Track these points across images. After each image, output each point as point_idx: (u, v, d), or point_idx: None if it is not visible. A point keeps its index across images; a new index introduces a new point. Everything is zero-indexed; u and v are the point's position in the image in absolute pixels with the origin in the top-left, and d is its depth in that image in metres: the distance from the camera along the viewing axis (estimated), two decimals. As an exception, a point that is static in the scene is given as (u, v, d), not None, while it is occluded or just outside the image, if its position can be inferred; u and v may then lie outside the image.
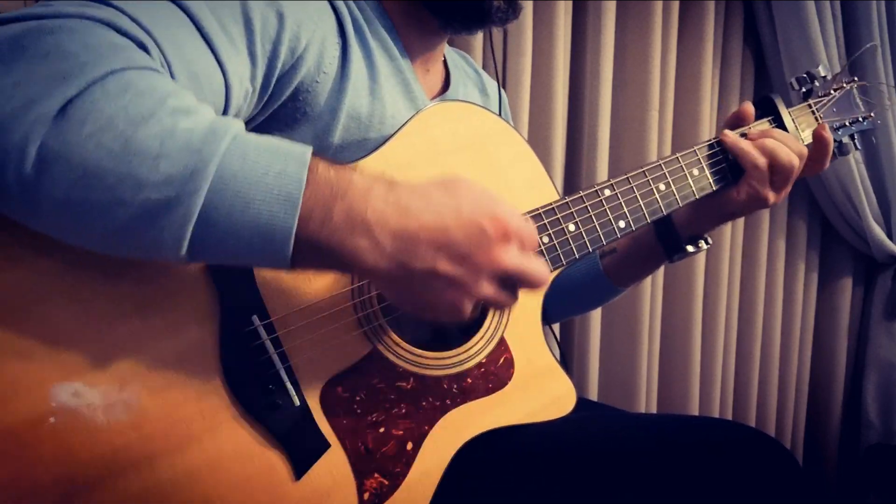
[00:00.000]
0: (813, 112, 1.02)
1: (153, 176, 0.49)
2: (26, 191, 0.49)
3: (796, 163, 0.89)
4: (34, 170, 0.48)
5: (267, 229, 0.52)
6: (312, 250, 0.54)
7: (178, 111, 0.52)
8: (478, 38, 1.49)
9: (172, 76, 0.58)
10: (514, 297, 0.63)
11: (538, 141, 1.62)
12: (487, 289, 0.59)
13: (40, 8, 0.53)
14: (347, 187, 0.55)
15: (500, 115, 1.03)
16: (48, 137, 0.48)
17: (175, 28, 0.59)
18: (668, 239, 0.96)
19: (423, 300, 0.59)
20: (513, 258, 0.59)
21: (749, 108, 0.95)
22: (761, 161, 0.88)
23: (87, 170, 0.48)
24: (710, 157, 0.91)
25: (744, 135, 0.92)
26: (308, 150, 0.55)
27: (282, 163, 0.53)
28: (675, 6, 1.78)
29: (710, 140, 0.92)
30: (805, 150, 0.92)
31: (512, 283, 0.62)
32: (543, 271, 0.62)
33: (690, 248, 0.96)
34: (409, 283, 0.57)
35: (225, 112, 0.65)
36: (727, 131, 0.92)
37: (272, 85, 0.70)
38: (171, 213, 0.50)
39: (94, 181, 0.49)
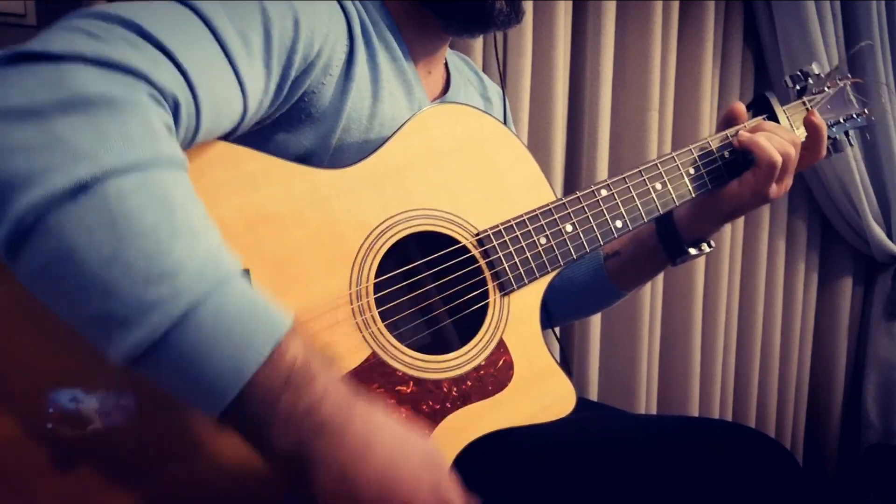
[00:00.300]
0: (807, 109, 1.02)
1: (125, 293, 0.49)
2: (11, 249, 0.49)
3: (792, 151, 0.90)
4: (25, 234, 0.48)
5: (206, 388, 0.51)
6: (239, 419, 0.53)
7: (180, 233, 0.51)
8: (478, 40, 1.49)
9: (199, 111, 0.58)
10: None
11: (538, 141, 1.62)
12: None
13: (84, 41, 0.52)
14: (306, 384, 0.54)
15: (504, 118, 1.03)
16: (50, 212, 0.48)
17: (203, 51, 0.59)
18: (670, 242, 0.96)
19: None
20: None
21: (740, 107, 0.96)
22: (777, 157, 0.88)
23: (71, 258, 0.48)
24: (705, 155, 0.91)
25: (736, 133, 0.93)
26: (286, 325, 0.54)
27: (252, 330, 0.52)
28: (675, 6, 1.78)
29: (704, 139, 0.92)
30: (798, 139, 0.93)
31: None
32: None
33: (693, 251, 0.96)
34: (304, 494, 0.55)
35: (239, 126, 0.66)
36: (742, 132, 0.92)
37: (284, 91, 0.70)
38: (126, 334, 0.49)
39: (71, 270, 0.49)
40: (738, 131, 0.93)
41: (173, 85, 0.55)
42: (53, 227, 0.48)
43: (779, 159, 0.88)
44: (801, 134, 1.00)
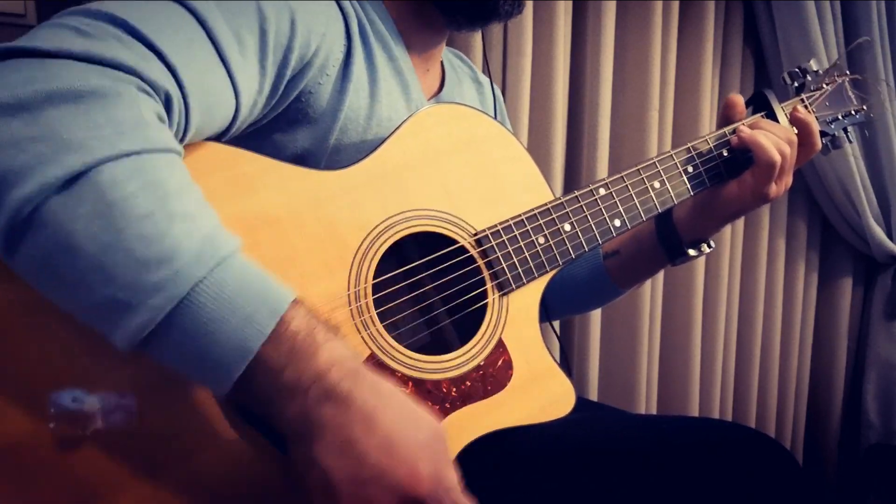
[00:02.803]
0: (805, 106, 1.02)
1: (126, 277, 0.49)
2: (8, 243, 0.49)
3: (788, 149, 0.90)
4: (21, 227, 0.48)
5: (213, 365, 0.52)
6: (247, 394, 0.54)
7: (176, 216, 0.51)
8: (477, 39, 1.49)
9: (188, 107, 0.58)
10: None
11: (538, 141, 1.62)
12: None
13: (72, 38, 0.52)
14: (310, 356, 0.54)
15: (495, 108, 1.03)
16: (45, 204, 0.48)
17: (194, 49, 0.59)
18: (669, 243, 0.96)
19: (309, 486, 0.56)
20: None
21: (738, 98, 0.95)
22: (777, 157, 0.88)
23: (69, 247, 0.49)
24: (703, 153, 0.91)
25: (734, 131, 0.93)
26: (287, 300, 0.54)
27: (254, 307, 0.52)
28: (675, 6, 1.78)
29: (702, 137, 0.92)
30: (794, 135, 0.93)
31: None
32: None
33: (692, 252, 0.96)
34: (305, 463, 0.55)
35: (231, 125, 0.66)
36: (742, 126, 0.92)
37: (280, 91, 0.70)
38: (130, 317, 0.50)
39: (71, 260, 0.49)
40: (735, 129, 0.93)
41: (163, 80, 0.55)
42: (49, 218, 0.48)
43: (777, 158, 0.88)
44: None
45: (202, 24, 0.60)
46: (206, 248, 0.52)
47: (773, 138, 0.89)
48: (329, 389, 0.54)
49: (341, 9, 0.76)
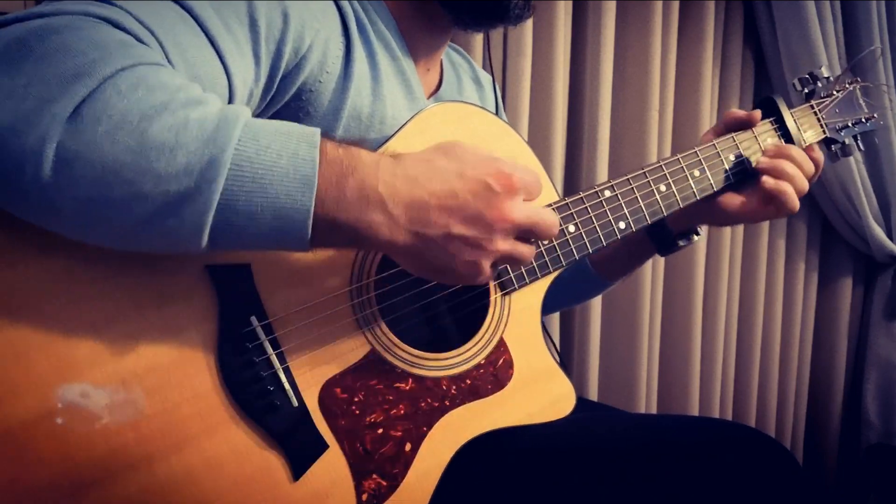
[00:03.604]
0: (815, 113, 1.01)
1: (171, 167, 0.50)
2: (46, 192, 0.49)
3: (807, 187, 0.90)
4: (52, 171, 0.48)
5: (286, 212, 0.53)
6: (330, 229, 0.56)
7: (189, 102, 0.52)
8: (478, 38, 1.49)
9: None
10: (531, 250, 0.64)
11: (538, 141, 1.62)
12: (503, 244, 0.61)
13: (43, 7, 0.53)
14: (356, 164, 0.56)
15: (495, 103, 1.03)
16: (64, 138, 0.48)
17: (179, 29, 0.59)
18: (660, 236, 0.97)
19: (443, 266, 0.60)
20: (522, 210, 0.61)
21: (758, 115, 0.94)
22: (796, 203, 0.89)
23: (106, 167, 0.49)
24: (710, 157, 0.91)
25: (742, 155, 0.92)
26: (317, 132, 0.56)
27: (294, 145, 0.54)
28: (675, 6, 1.78)
29: (710, 142, 0.91)
30: (819, 159, 0.92)
31: (526, 237, 0.63)
32: (553, 219, 0.64)
33: (682, 243, 0.96)
34: (427, 250, 0.59)
35: None
36: (762, 158, 0.90)
37: (275, 85, 0.70)
38: (192, 203, 0.50)
39: (113, 177, 0.49)
40: (741, 146, 0.92)
41: (143, 34, 0.55)
42: (74, 149, 0.48)
43: (796, 205, 0.88)
44: (809, 138, 0.99)
45: (194, 17, 0.60)
46: (228, 115, 0.53)
47: (800, 182, 0.89)
48: (391, 180, 0.57)
49: (339, 8, 0.76)
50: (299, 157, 0.53)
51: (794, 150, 0.91)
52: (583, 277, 1.05)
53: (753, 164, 0.91)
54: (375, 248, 0.66)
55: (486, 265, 0.61)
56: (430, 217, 0.58)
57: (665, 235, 0.96)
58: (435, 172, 0.59)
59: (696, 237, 0.97)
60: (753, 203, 0.90)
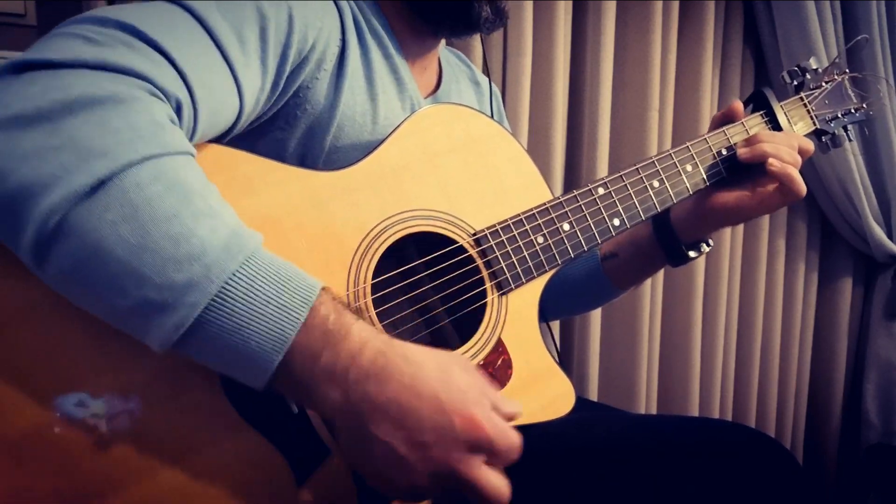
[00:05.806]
0: (805, 105, 1.02)
1: (158, 278, 0.50)
2: (37, 255, 0.50)
3: (799, 160, 0.90)
4: (50, 237, 0.49)
5: (251, 357, 0.52)
6: (286, 383, 0.54)
7: (200, 214, 0.52)
8: (477, 39, 1.49)
9: (196, 111, 0.58)
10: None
11: (538, 141, 1.62)
12: (432, 484, 0.56)
13: (83, 46, 0.53)
14: (342, 338, 0.55)
15: (491, 107, 1.03)
16: (72, 213, 0.48)
17: (198, 51, 0.59)
18: (669, 246, 0.96)
19: (372, 466, 0.56)
20: (470, 469, 0.56)
21: (739, 106, 0.95)
22: (799, 181, 0.88)
23: (98, 253, 0.49)
24: (702, 152, 0.91)
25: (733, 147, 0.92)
26: (317, 288, 0.55)
27: (287, 297, 0.53)
28: (675, 6, 1.78)
29: (702, 136, 0.92)
30: (804, 141, 0.92)
31: (460, 492, 0.58)
32: (501, 493, 0.58)
33: (692, 254, 0.96)
34: (363, 444, 0.56)
35: (235, 125, 0.66)
36: (756, 147, 0.90)
37: (280, 87, 0.70)
38: (165, 317, 0.50)
39: (101, 265, 0.49)
40: (732, 140, 0.92)
41: (174, 85, 0.56)
42: (77, 226, 0.48)
43: (801, 184, 0.88)
44: (800, 130, 0.99)
45: (203, 25, 0.60)
46: (234, 243, 0.52)
47: (787, 153, 0.89)
48: (367, 368, 0.54)
49: (337, 6, 0.77)
50: (286, 312, 0.52)
51: (766, 133, 0.92)
52: (596, 285, 1.05)
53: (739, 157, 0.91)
54: (321, 414, 0.62)
55: (415, 490, 0.57)
56: (380, 421, 0.54)
57: (677, 248, 0.96)
58: (414, 382, 0.55)
59: (706, 247, 0.97)
60: (757, 194, 0.90)
